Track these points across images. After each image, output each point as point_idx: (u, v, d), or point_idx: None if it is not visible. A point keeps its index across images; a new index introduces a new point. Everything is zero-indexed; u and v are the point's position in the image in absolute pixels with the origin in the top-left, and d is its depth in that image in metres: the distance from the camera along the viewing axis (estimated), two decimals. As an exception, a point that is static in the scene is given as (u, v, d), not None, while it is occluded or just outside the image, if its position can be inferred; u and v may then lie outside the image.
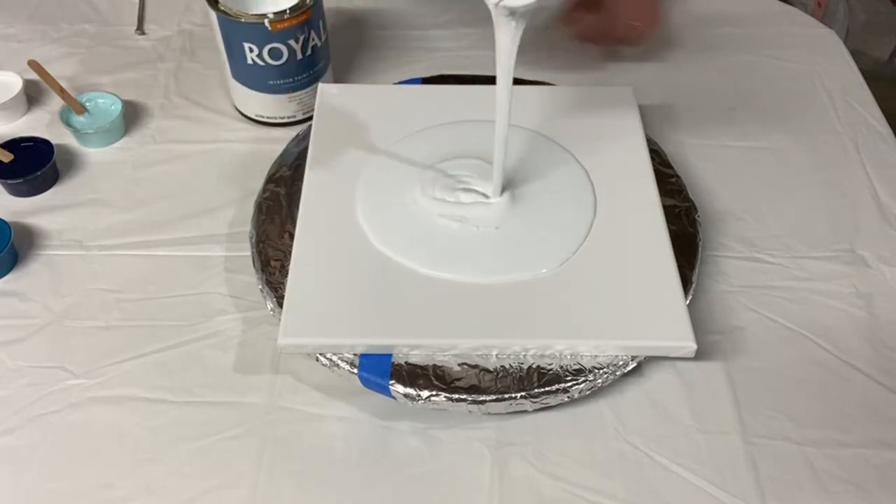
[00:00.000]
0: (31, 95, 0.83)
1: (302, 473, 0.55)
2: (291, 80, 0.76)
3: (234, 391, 0.59)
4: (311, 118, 0.75)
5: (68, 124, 0.77)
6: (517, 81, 0.82)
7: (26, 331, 0.63)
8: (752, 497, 0.54)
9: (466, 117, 0.74)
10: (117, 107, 0.79)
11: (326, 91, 0.77)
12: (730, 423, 0.58)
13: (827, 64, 0.88)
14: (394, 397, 0.57)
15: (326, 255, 0.63)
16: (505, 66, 0.54)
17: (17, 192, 0.73)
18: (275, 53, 0.73)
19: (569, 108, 0.76)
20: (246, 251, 0.67)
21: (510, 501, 0.54)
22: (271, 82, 0.76)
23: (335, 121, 0.74)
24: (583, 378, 0.57)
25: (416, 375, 0.57)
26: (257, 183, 0.72)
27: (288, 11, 0.71)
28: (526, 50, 0.89)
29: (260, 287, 0.63)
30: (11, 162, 0.73)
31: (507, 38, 0.52)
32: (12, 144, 0.74)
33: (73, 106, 0.78)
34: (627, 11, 0.67)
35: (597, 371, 0.57)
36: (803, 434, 0.57)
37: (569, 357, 0.58)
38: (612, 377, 0.58)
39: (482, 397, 0.56)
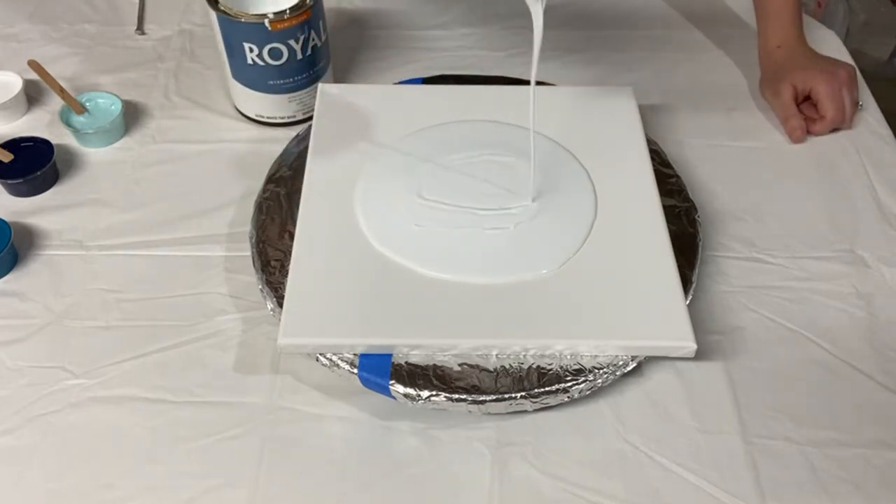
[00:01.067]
0: (31, 95, 0.83)
1: (302, 473, 0.55)
2: (291, 80, 0.76)
3: (234, 391, 0.59)
4: (311, 118, 0.75)
5: (68, 124, 0.77)
6: (517, 81, 0.83)
7: (26, 331, 0.63)
8: (752, 497, 0.54)
9: (466, 117, 0.75)
10: (117, 107, 0.79)
11: (326, 91, 0.77)
12: (730, 423, 0.58)
13: (827, 64, 0.88)
14: (394, 397, 0.57)
15: (326, 256, 0.63)
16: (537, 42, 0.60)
17: (17, 192, 0.73)
18: (275, 53, 0.73)
19: (569, 108, 0.76)
20: (246, 251, 0.67)
21: (510, 501, 0.54)
22: (271, 82, 0.76)
23: (335, 121, 0.74)
24: (583, 378, 0.57)
25: (416, 375, 0.57)
26: (257, 183, 0.72)
27: (288, 11, 0.71)
28: (525, 50, 0.90)
29: (260, 287, 0.63)
30: (11, 162, 0.73)
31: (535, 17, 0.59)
32: (12, 144, 0.74)
33: (73, 106, 0.78)
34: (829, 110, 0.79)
35: (597, 371, 0.57)
36: (803, 434, 0.57)
37: (569, 357, 0.58)
38: (612, 377, 0.58)
39: (482, 397, 0.56)
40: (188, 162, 0.77)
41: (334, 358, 0.58)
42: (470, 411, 0.57)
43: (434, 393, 0.56)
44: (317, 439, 0.57)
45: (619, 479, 0.55)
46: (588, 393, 0.58)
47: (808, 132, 0.79)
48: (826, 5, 1.65)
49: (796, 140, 0.79)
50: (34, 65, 0.79)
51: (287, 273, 0.62)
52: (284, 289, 0.61)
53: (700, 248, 0.67)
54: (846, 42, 0.92)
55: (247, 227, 0.68)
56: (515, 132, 0.73)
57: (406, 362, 0.58)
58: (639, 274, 0.62)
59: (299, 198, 0.67)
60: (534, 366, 0.58)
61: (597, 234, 0.65)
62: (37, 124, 0.80)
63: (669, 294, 0.61)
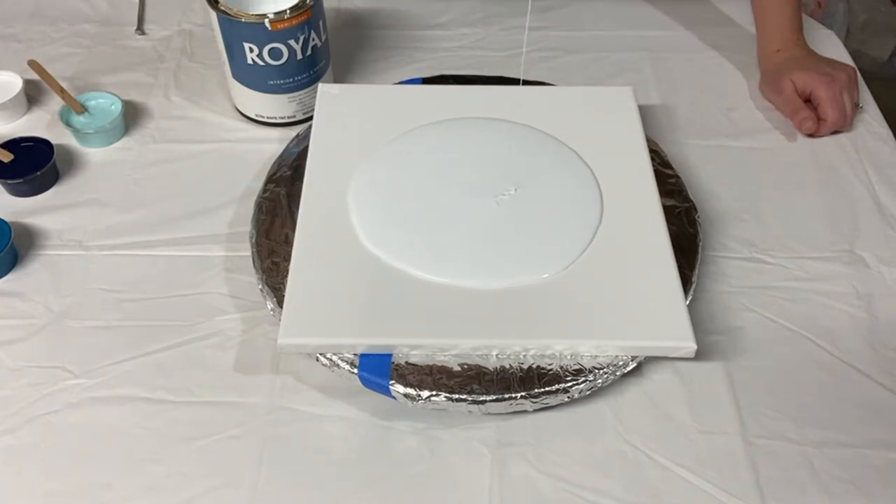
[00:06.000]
0: (31, 95, 0.83)
1: (302, 473, 0.55)
2: (291, 80, 0.76)
3: (234, 391, 0.59)
4: (311, 118, 0.75)
5: (68, 124, 0.77)
6: (516, 81, 0.83)
7: (26, 331, 0.63)
8: (752, 497, 0.54)
9: (466, 117, 0.74)
10: (117, 107, 0.79)
11: (326, 91, 0.77)
12: (730, 423, 0.58)
13: (827, 64, 0.88)
14: (394, 397, 0.57)
15: (326, 256, 0.63)
16: None
17: (17, 192, 0.73)
18: (275, 53, 0.73)
19: (569, 109, 0.76)
20: (246, 251, 0.67)
21: (510, 501, 0.54)
22: (271, 82, 0.76)
23: (335, 121, 0.74)
24: (583, 378, 0.57)
25: (416, 375, 0.57)
26: (257, 183, 0.72)
27: (288, 11, 0.71)
28: (525, 50, 0.90)
29: (260, 287, 0.63)
30: (11, 162, 0.73)
31: None
32: (12, 144, 0.74)
33: (73, 106, 0.78)
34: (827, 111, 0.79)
35: (597, 371, 0.57)
36: (803, 434, 0.57)
37: (569, 357, 0.58)
38: (612, 377, 0.58)
39: (482, 397, 0.56)
40: (188, 162, 0.77)
41: (334, 358, 0.58)
42: (470, 411, 0.57)
43: (434, 393, 0.56)
44: (317, 439, 0.57)
45: (618, 479, 0.55)
46: (588, 393, 0.58)
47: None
48: (826, 5, 1.65)
49: (807, 131, 0.79)
50: (34, 65, 0.79)
51: (287, 273, 0.62)
52: (284, 289, 0.61)
53: (700, 248, 0.67)
54: (846, 42, 0.92)
55: (247, 227, 0.68)
56: (515, 130, 0.73)
57: (406, 362, 0.58)
58: (639, 274, 0.62)
59: (299, 198, 0.67)
60: (534, 366, 0.58)
61: (598, 234, 0.65)
62: (37, 124, 0.80)
63: (669, 294, 0.61)
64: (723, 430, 0.57)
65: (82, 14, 0.94)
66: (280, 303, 0.61)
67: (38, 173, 0.72)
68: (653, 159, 0.71)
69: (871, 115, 0.82)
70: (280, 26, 0.71)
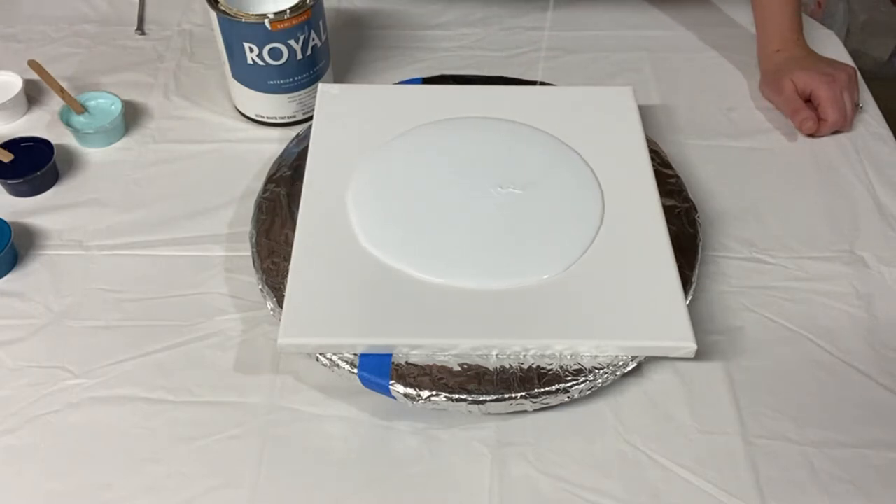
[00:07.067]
0: (31, 95, 0.83)
1: (302, 473, 0.55)
2: (291, 80, 0.76)
3: (234, 391, 0.59)
4: (311, 118, 0.75)
5: (68, 124, 0.77)
6: (516, 81, 0.83)
7: (26, 331, 0.63)
8: (752, 497, 0.54)
9: (466, 117, 0.74)
10: (117, 107, 0.79)
11: (326, 91, 0.77)
12: (730, 423, 0.58)
13: (827, 64, 0.88)
14: (394, 397, 0.57)
15: (326, 256, 0.63)
16: None
17: (17, 192, 0.73)
18: (275, 53, 0.73)
19: (569, 109, 0.76)
20: (246, 251, 0.67)
21: (510, 501, 0.54)
22: (271, 82, 0.76)
23: (335, 121, 0.74)
24: (583, 378, 0.57)
25: (416, 375, 0.57)
26: (257, 183, 0.72)
27: (288, 11, 0.71)
28: (525, 50, 0.90)
29: (260, 287, 0.63)
30: (11, 162, 0.73)
31: None
32: (12, 144, 0.74)
33: (73, 106, 0.78)
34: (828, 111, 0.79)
35: (597, 371, 0.57)
36: (803, 434, 0.57)
37: (569, 357, 0.58)
38: (612, 377, 0.58)
39: (482, 397, 0.56)
40: (188, 162, 0.77)
41: (334, 358, 0.58)
42: (470, 411, 0.57)
43: (434, 393, 0.56)
44: (317, 439, 0.57)
45: (618, 479, 0.55)
46: (588, 393, 0.58)
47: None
48: (826, 5, 1.65)
49: (807, 131, 0.79)
50: (34, 65, 0.79)
51: (287, 273, 0.62)
52: (284, 289, 0.61)
53: (700, 248, 0.67)
54: (846, 42, 0.92)
55: (247, 227, 0.68)
56: (515, 130, 0.73)
57: (406, 362, 0.58)
58: (639, 274, 0.62)
59: (299, 198, 0.67)
60: (534, 366, 0.58)
61: (599, 235, 0.65)
62: (37, 124, 0.80)
63: (669, 294, 0.61)
64: (723, 430, 0.57)
65: (82, 14, 0.94)
66: (280, 303, 0.61)
67: (38, 173, 0.72)
68: (653, 159, 0.71)
69: (871, 115, 0.82)
70: (280, 26, 0.71)
